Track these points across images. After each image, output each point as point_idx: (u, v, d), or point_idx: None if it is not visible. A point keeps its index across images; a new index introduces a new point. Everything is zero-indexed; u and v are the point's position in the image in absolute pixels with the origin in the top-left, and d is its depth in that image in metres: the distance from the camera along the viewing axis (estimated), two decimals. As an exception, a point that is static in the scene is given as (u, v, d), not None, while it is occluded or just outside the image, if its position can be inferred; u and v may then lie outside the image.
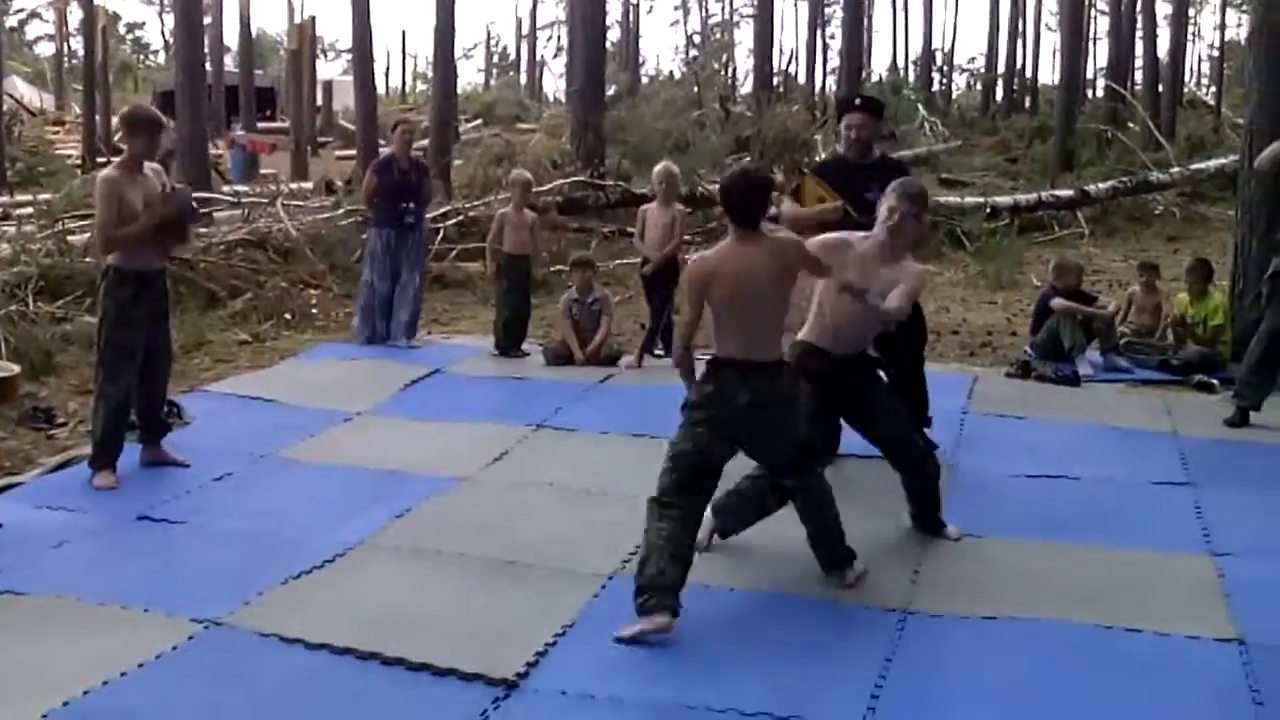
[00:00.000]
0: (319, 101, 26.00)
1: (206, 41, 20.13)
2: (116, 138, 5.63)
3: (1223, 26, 34.10)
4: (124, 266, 4.24)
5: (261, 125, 25.88)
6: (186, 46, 10.59)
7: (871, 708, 2.73)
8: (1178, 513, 4.10)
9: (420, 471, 4.44)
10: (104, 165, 4.35)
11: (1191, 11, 31.45)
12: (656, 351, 6.46)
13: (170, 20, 15.47)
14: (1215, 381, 5.90)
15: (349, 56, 20.10)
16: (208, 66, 16.51)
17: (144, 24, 50.75)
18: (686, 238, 8.15)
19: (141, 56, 48.21)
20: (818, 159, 4.84)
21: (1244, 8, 30.87)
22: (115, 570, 3.50)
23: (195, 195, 4.94)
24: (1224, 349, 6.25)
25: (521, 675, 2.85)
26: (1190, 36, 34.89)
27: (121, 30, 44.04)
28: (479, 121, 24.48)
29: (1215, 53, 33.19)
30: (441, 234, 9.36)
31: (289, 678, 2.85)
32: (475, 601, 3.30)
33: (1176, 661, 2.96)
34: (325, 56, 44.48)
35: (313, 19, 24.88)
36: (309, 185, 14.09)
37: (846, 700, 2.75)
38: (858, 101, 4.92)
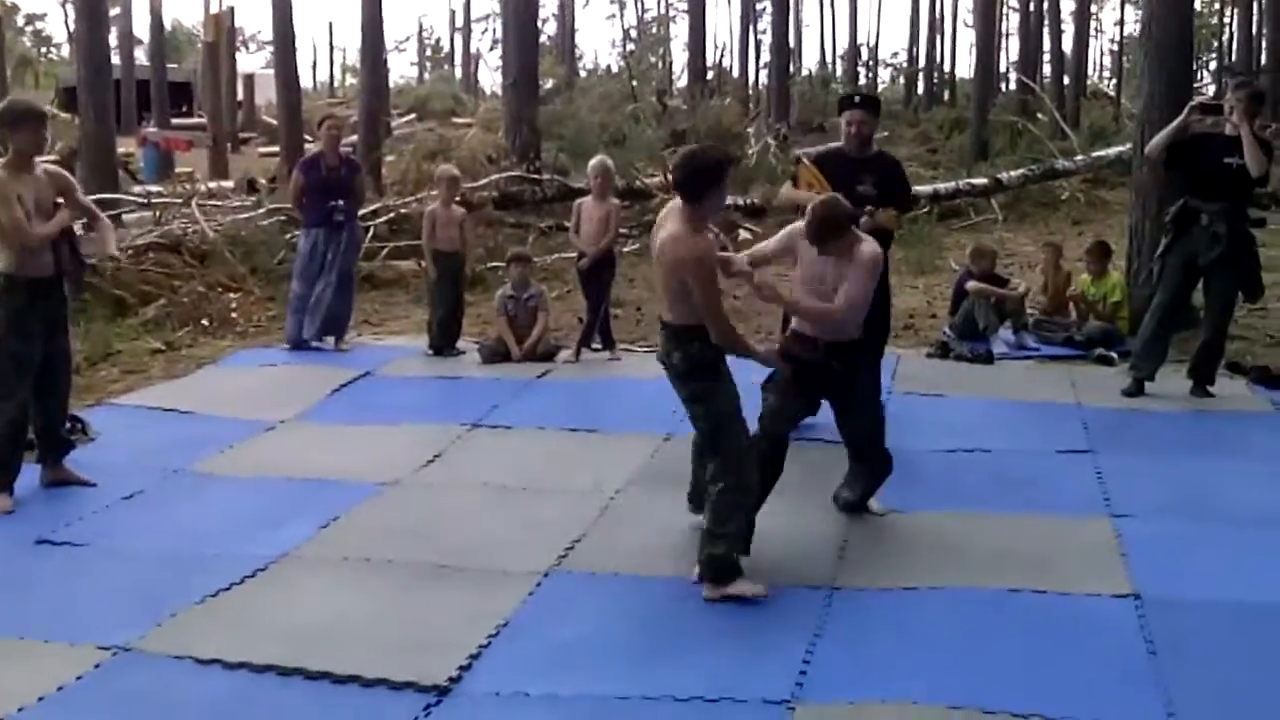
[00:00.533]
0: (240, 96, 25.22)
1: (114, 33, 19.39)
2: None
3: (1122, 22, 35.60)
4: (16, 274, 3.97)
5: (176, 122, 25.01)
6: (89, 37, 9.98)
7: (800, 683, 2.82)
8: (1080, 479, 4.36)
9: (348, 479, 4.30)
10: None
11: (1094, 8, 32.72)
12: (594, 346, 6.47)
13: (74, 11, 14.82)
14: (1114, 355, 6.27)
15: (272, 49, 19.64)
16: (115, 60, 15.87)
17: (45, 15, 48.86)
18: (623, 231, 8.26)
19: (43, 50, 46.24)
20: (815, 149, 4.99)
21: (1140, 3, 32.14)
22: (11, 600, 3.29)
23: (100, 196, 4.58)
24: (1123, 324, 6.62)
25: (454, 680, 2.80)
26: (1093, 32, 36.30)
27: (20, 22, 42.21)
28: (412, 116, 24.09)
29: (1116, 47, 34.56)
30: (372, 232, 9.13)
31: (205, 700, 2.73)
32: (405, 608, 3.24)
33: (1078, 618, 3.17)
34: (246, 49, 43.32)
35: (230, 9, 24.12)
36: (229, 184, 13.59)
37: (776, 677, 2.83)
38: (857, 99, 5.09)
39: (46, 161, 4.38)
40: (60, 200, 4.14)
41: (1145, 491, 4.22)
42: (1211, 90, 24.67)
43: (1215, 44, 30.13)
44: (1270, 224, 9.63)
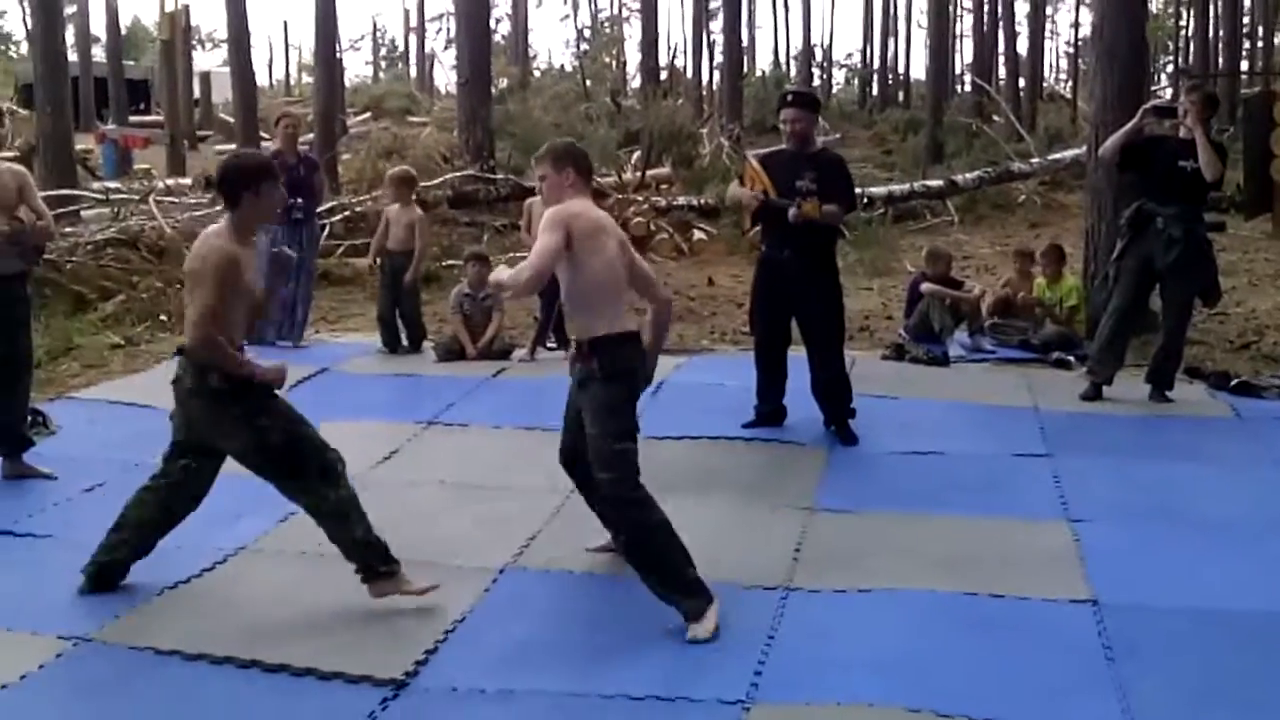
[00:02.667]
0: (196, 94, 24.91)
1: (72, 31, 19.06)
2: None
3: (1077, 25, 36.08)
4: None
5: (134, 119, 24.65)
6: (45, 35, 10.01)
7: (755, 684, 2.81)
8: (1038, 482, 4.35)
9: None
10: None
11: (1049, 10, 33.23)
12: (549, 345, 6.48)
13: (30, 8, 14.56)
14: (1072, 358, 6.29)
15: (228, 47, 19.36)
16: (73, 57, 15.63)
17: (4, 13, 47.69)
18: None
19: (1, 47, 45.18)
20: (764, 150, 4.96)
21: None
22: None
23: (59, 193, 4.72)
24: (1079, 327, 6.66)
25: (410, 674, 2.82)
26: (1049, 34, 36.85)
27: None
28: (368, 115, 23.87)
29: (1071, 49, 35.10)
30: (328, 230, 9.16)
31: (164, 691, 2.77)
32: (361, 603, 3.24)
33: (1036, 623, 3.16)
34: (203, 47, 42.73)
35: (186, 8, 23.75)
36: (187, 181, 13.53)
37: (730, 678, 2.82)
38: (790, 97, 5.06)
39: (4, 158, 4.45)
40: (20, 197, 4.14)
41: (1103, 496, 4.22)
42: (1169, 93, 25.11)
43: (1172, 46, 30.71)
44: (1230, 228, 9.87)
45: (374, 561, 3.17)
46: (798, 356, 5.02)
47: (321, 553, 3.54)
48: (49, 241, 4.76)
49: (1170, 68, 30.84)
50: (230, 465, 4.37)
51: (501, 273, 3.21)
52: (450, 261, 8.57)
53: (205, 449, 3.27)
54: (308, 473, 3.16)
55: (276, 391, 3.23)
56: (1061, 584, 3.39)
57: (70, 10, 18.99)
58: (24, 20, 31.38)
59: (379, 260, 6.75)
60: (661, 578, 3.07)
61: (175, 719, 2.67)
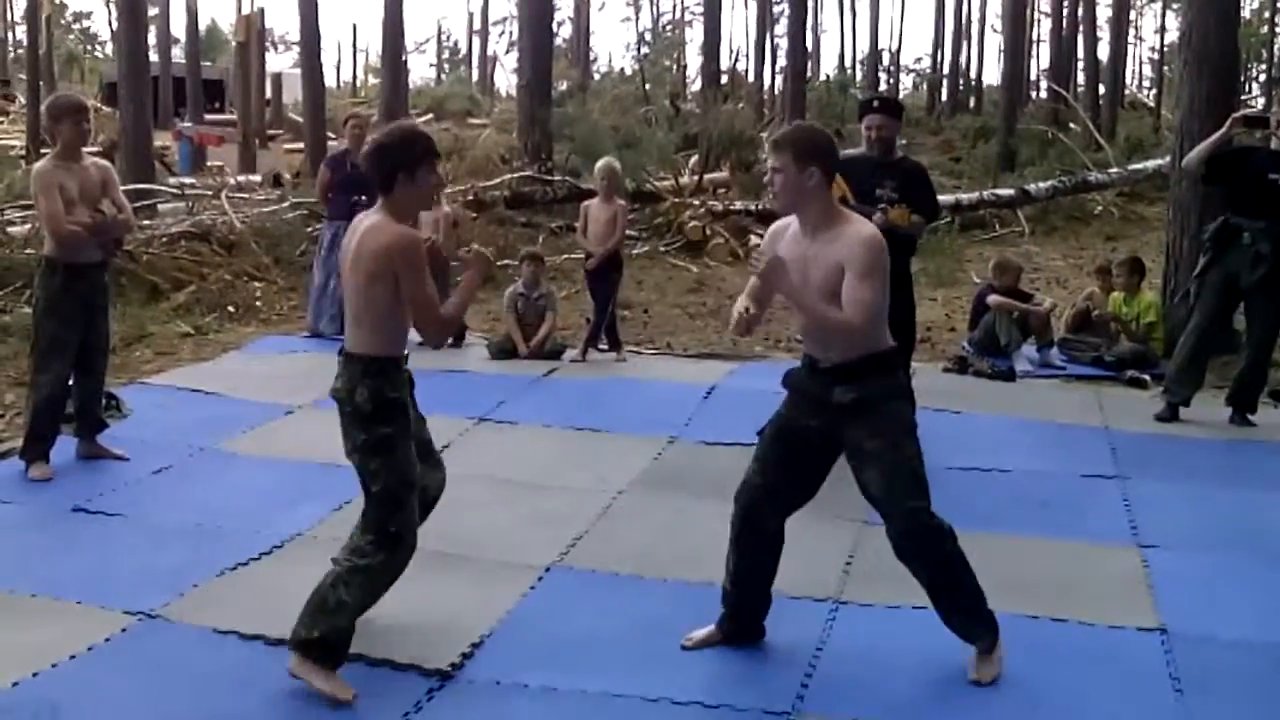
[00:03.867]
0: (268, 94, 25.59)
1: (153, 32, 19.79)
2: (43, 129, 5.62)
3: (1163, 30, 35.00)
4: (56, 258, 4.21)
5: (209, 117, 25.45)
6: (129, 36, 10.45)
7: (801, 696, 2.76)
8: (1106, 505, 4.19)
9: None
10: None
11: (1133, 15, 32.21)
12: (600, 347, 6.48)
13: (115, 10, 15.12)
14: (1147, 377, 6.04)
15: (299, 49, 19.90)
16: (154, 57, 16.22)
17: (91, 14, 49.78)
18: (630, 233, 8.21)
19: (88, 47, 47.09)
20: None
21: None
22: (48, 563, 3.46)
23: (137, 187, 4.86)
24: (1156, 345, 6.41)
25: (456, 666, 2.86)
26: (1132, 39, 35.74)
27: (68, 20, 43.01)
28: (430, 116, 24.25)
29: (1156, 55, 34.04)
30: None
31: (221, 669, 2.85)
32: (411, 594, 3.25)
33: (1100, 651, 3.03)
34: (275, 49, 43.88)
35: (261, 11, 24.51)
36: (256, 178, 13.95)
37: (776, 690, 2.78)
38: (876, 103, 5.01)
39: (89, 152, 4.60)
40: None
41: (1176, 521, 4.04)
42: (1260, 103, 24.09)
43: (1265, 54, 29.47)
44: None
45: (332, 646, 2.72)
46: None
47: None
48: (128, 233, 4.92)
49: (1263, 76, 29.59)
50: (289, 452, 4.57)
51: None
52: (505, 261, 8.61)
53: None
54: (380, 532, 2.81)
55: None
56: (1128, 611, 3.26)
57: (152, 13, 19.69)
58: (109, 22, 32.79)
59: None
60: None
61: (231, 696, 2.72)
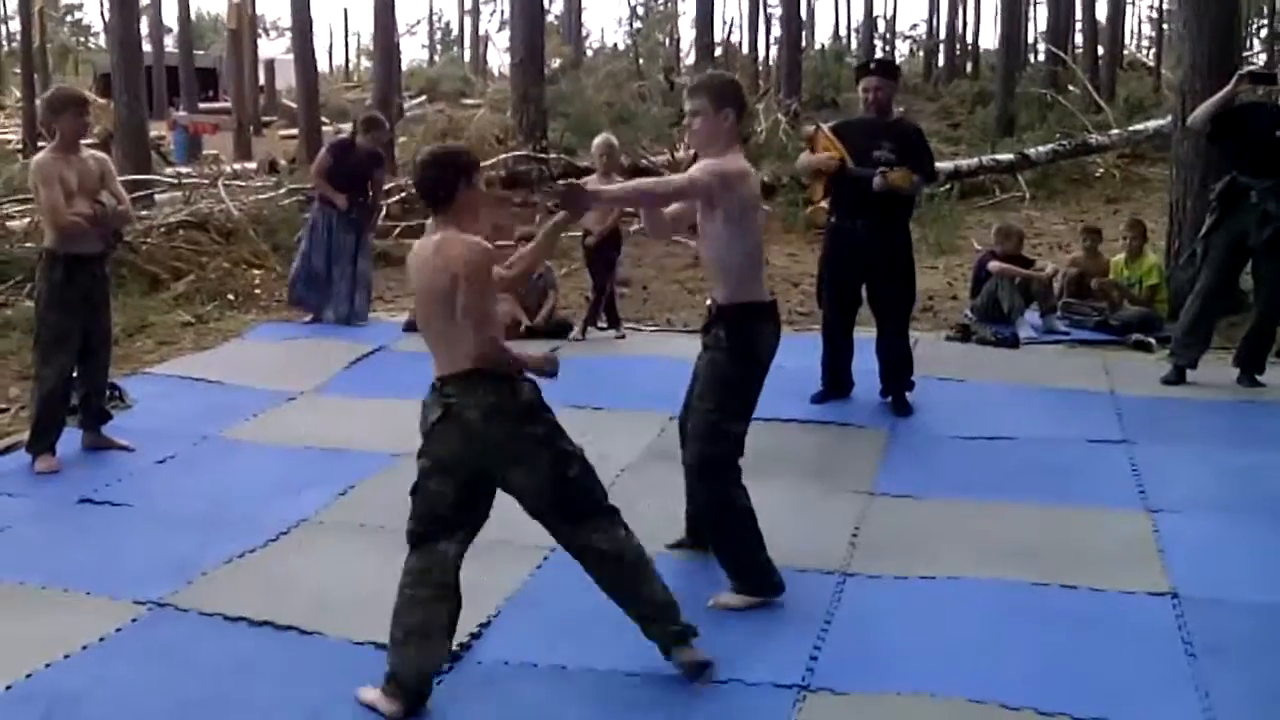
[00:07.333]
0: (261, 81, 25.47)
1: (145, 22, 19.64)
2: (40, 123, 5.64)
3: (1163, -13, 34.46)
4: (57, 250, 4.21)
5: (203, 106, 25.41)
6: (121, 26, 10.37)
7: (810, 669, 2.75)
8: (1114, 470, 4.17)
9: (364, 449, 4.41)
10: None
11: (1131, -27, 31.72)
12: (600, 325, 6.46)
13: (108, 1, 15.02)
14: (1152, 341, 5.99)
15: (291, 35, 19.78)
16: (146, 47, 16.12)
17: (83, 5, 49.36)
18: (628, 210, 8.12)
19: (81, 39, 46.84)
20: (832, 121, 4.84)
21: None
22: (57, 554, 3.48)
23: (134, 178, 4.84)
24: (1160, 308, 6.35)
25: (464, 647, 2.85)
26: (1129, -1, 35.27)
27: (60, 12, 42.77)
28: (423, 98, 24.13)
29: (1155, 13, 33.60)
30: (385, 211, 9.27)
31: (232, 656, 2.86)
32: None
33: (1111, 616, 3.02)
34: (268, 35, 43.64)
35: (251, -3, 24.36)
36: (252, 165, 13.92)
37: (785, 662, 2.77)
38: (872, 65, 5.06)
39: (86, 144, 4.56)
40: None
41: (1185, 485, 4.02)
42: (1263, 59, 23.77)
43: (1266, 9, 29.07)
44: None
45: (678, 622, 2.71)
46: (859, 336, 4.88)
47: (381, 525, 3.63)
48: (127, 224, 4.93)
49: (1264, 32, 29.23)
50: (293, 439, 4.57)
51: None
52: (503, 242, 8.59)
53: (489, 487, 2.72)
54: (600, 510, 2.71)
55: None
56: (1139, 576, 3.24)
57: (144, 2, 19.54)
58: (101, 13, 32.55)
59: None
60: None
61: (242, 682, 2.73)
